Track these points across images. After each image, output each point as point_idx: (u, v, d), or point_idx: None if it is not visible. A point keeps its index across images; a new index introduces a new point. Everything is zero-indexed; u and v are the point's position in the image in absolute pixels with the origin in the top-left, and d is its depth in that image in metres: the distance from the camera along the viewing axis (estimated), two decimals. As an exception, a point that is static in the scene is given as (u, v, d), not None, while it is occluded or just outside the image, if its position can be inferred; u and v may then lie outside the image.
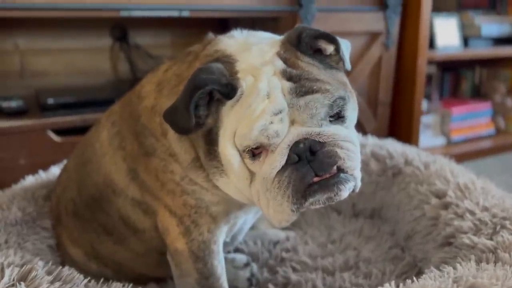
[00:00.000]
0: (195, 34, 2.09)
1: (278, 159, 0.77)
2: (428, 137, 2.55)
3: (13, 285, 0.79)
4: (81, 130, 1.22)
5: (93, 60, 2.09)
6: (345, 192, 0.79)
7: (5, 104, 1.62)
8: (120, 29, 2.09)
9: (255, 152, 0.79)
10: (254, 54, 0.84)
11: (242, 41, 0.89)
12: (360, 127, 2.10)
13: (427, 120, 2.55)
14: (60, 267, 0.90)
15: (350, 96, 0.84)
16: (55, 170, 1.37)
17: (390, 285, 0.81)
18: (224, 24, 2.10)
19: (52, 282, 0.83)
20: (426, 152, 1.41)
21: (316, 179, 0.77)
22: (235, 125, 0.79)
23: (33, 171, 1.37)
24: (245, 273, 1.15)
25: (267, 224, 1.37)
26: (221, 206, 0.93)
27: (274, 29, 0.94)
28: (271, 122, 0.76)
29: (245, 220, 1.07)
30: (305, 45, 0.84)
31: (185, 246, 0.93)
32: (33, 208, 1.14)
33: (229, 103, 0.81)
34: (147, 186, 0.96)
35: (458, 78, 2.95)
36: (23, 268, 0.82)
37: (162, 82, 0.95)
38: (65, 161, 1.19)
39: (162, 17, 1.77)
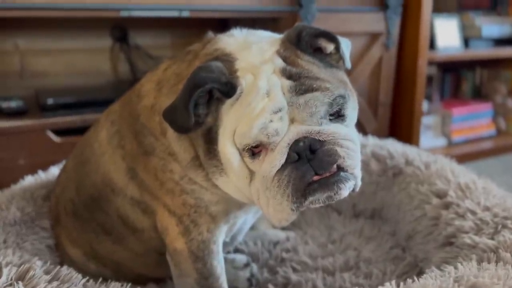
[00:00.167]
0: (195, 35, 2.09)
1: (277, 157, 0.77)
2: (429, 138, 2.55)
3: (11, 284, 0.78)
4: (81, 130, 1.21)
5: (93, 60, 2.08)
6: (345, 191, 0.78)
7: (5, 105, 1.61)
8: (120, 29, 2.09)
9: (255, 150, 0.79)
10: (254, 52, 0.84)
11: (241, 40, 0.88)
12: (361, 128, 2.09)
13: (427, 121, 2.54)
14: (58, 266, 0.89)
15: (350, 95, 0.84)
16: (54, 171, 1.36)
17: (390, 284, 0.80)
18: (224, 24, 2.09)
19: (50, 282, 0.82)
20: (426, 152, 1.41)
21: (316, 177, 0.76)
22: (235, 124, 0.79)
23: (33, 171, 1.36)
24: (245, 274, 1.14)
25: (267, 224, 1.36)
26: (221, 206, 0.93)
27: (274, 30, 0.94)
28: (271, 121, 0.76)
29: (244, 220, 1.07)
30: (305, 43, 0.83)
31: (184, 245, 0.93)
32: (32, 208, 1.14)
33: (229, 101, 0.80)
34: (146, 186, 0.95)
35: (458, 79, 2.94)
36: (21, 267, 0.82)
37: (162, 81, 0.94)
38: (64, 162, 1.19)
39: (162, 18, 1.77)
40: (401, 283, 0.82)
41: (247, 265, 1.16)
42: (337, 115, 0.81)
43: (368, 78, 2.12)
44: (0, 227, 1.03)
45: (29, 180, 1.31)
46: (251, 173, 0.82)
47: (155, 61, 2.06)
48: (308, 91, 0.77)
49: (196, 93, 0.78)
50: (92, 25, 2.01)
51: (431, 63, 2.46)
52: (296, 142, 0.76)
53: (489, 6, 2.84)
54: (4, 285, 0.78)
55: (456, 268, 0.84)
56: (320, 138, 0.77)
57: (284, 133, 0.77)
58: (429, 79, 2.67)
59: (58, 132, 1.59)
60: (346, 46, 0.88)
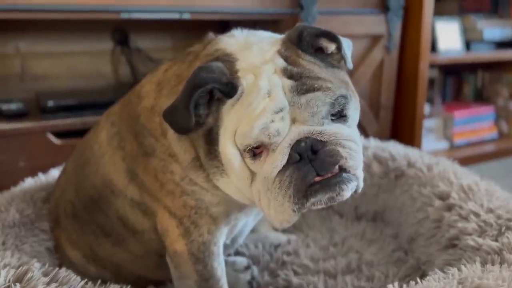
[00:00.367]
0: (196, 38, 2.08)
1: (279, 158, 0.76)
2: (431, 141, 2.54)
3: (8, 286, 0.77)
4: (81, 133, 1.21)
5: (94, 63, 2.08)
6: (347, 192, 0.77)
7: (5, 107, 1.61)
8: (121, 32, 2.09)
9: (256, 151, 0.78)
10: (255, 52, 0.83)
11: (242, 40, 0.88)
12: (362, 131, 2.09)
13: (429, 124, 2.54)
14: (57, 268, 0.88)
15: (352, 95, 0.83)
16: (54, 173, 1.36)
17: (393, 287, 0.79)
18: (225, 27, 2.08)
19: (48, 284, 0.81)
20: (428, 154, 1.40)
21: (317, 178, 0.76)
22: (236, 124, 0.78)
23: (33, 174, 1.36)
24: (245, 276, 1.13)
25: (268, 227, 1.35)
26: (222, 207, 0.92)
27: (275, 32, 0.93)
28: (272, 121, 0.75)
29: (245, 222, 1.06)
30: (306, 43, 0.83)
31: (184, 247, 0.92)
32: (32, 210, 1.13)
33: (230, 102, 0.80)
34: (146, 187, 0.95)
35: (460, 82, 2.94)
36: (19, 269, 0.81)
37: (162, 82, 0.94)
38: (65, 164, 1.18)
39: (163, 20, 1.77)
40: (404, 286, 0.81)
41: (247, 268, 1.16)
42: (339, 116, 0.80)
43: (370, 81, 2.12)
44: (-1, 229, 1.03)
45: (29, 183, 1.31)
46: (252, 174, 0.81)
47: (156, 64, 2.06)
48: (310, 91, 0.77)
49: (197, 93, 0.77)
50: (93, 28, 2.01)
51: (432, 66, 2.45)
52: (298, 142, 0.76)
53: (490, 9, 2.84)
54: (2, 286, 0.77)
55: (459, 270, 0.83)
56: (322, 139, 0.76)
57: (285, 134, 0.76)
58: (431, 82, 2.67)
59: (59, 134, 1.59)
60: (348, 46, 0.88)
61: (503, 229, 0.95)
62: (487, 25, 2.62)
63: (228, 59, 0.83)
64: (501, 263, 0.84)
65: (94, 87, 2.02)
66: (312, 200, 0.76)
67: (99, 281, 0.92)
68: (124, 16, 1.55)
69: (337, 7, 1.93)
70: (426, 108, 2.50)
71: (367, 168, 1.37)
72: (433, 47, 2.38)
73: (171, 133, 0.89)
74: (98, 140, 1.02)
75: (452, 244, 1.00)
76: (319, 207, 0.78)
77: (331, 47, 0.85)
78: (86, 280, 0.90)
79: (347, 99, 0.80)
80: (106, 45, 2.06)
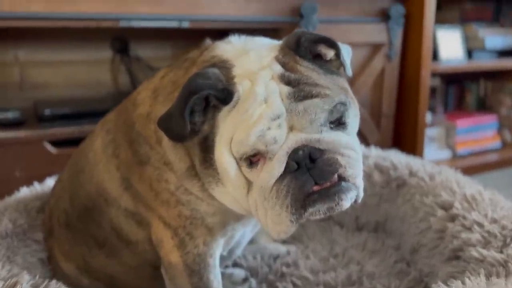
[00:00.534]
0: (195, 46, 2.08)
1: (276, 167, 0.74)
2: (433, 150, 2.52)
3: (-4, 299, 0.75)
4: (79, 141, 1.19)
5: (93, 72, 2.07)
6: (346, 202, 0.75)
7: (2, 115, 1.59)
8: (121, 41, 2.08)
9: (253, 159, 0.77)
10: (252, 59, 0.82)
11: (239, 47, 0.87)
12: (363, 140, 2.06)
13: (431, 133, 2.51)
14: (47, 280, 0.86)
15: (351, 102, 0.82)
16: (50, 182, 1.34)
17: (395, 300, 0.76)
18: (225, 35, 2.08)
19: (38, 297, 0.79)
20: (430, 163, 1.38)
21: (316, 188, 0.74)
22: (232, 131, 0.77)
23: (29, 183, 1.34)
24: (243, 289, 1.10)
25: (267, 238, 1.33)
26: (218, 217, 0.90)
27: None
28: (269, 128, 0.74)
29: (243, 233, 1.04)
30: (304, 49, 0.81)
31: (179, 259, 0.89)
32: (25, 220, 1.11)
33: (226, 108, 0.78)
34: (140, 196, 0.93)
35: (462, 91, 2.92)
36: (8, 281, 0.79)
37: (158, 89, 0.93)
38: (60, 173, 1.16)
39: (162, 29, 1.76)
40: (406, 299, 0.78)
41: (245, 280, 1.13)
42: (338, 123, 0.78)
43: (371, 89, 2.10)
44: (-10, 240, 1.00)
45: (24, 192, 1.29)
46: (249, 183, 0.79)
47: (155, 72, 2.04)
48: (308, 97, 0.75)
49: (192, 100, 0.76)
50: (93, 36, 2.01)
51: (434, 74, 2.44)
52: (295, 150, 0.74)
53: (491, 17, 2.83)
54: (-10, 299, 0.75)
55: (463, 283, 0.81)
56: (320, 147, 0.74)
57: (282, 141, 0.74)
58: (433, 91, 2.65)
59: (56, 143, 1.57)
60: (347, 52, 0.86)
61: (508, 240, 0.92)
62: (489, 33, 2.61)
63: (224, 66, 0.82)
64: (506, 276, 0.82)
65: (93, 96, 2.01)
66: (310, 210, 0.74)
67: (91, 294, 0.90)
68: (123, 24, 1.54)
69: (337, 15, 1.92)
70: (428, 117, 2.48)
71: (368, 177, 1.35)
72: (435, 56, 2.36)
73: (166, 141, 0.87)
74: (93, 148, 1.00)
75: (455, 255, 0.98)
76: (318, 217, 0.76)
77: (330, 53, 0.84)
78: (78, 292, 0.87)
79: (346, 106, 0.78)
80: (106, 54, 2.06)
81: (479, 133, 2.67)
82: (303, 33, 0.83)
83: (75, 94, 2.00)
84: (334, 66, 0.85)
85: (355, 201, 0.78)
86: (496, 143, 2.74)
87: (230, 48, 0.87)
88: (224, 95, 0.77)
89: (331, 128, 0.77)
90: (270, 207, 0.76)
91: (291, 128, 0.75)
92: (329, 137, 0.75)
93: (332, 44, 0.82)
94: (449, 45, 2.49)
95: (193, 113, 0.78)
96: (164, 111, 0.80)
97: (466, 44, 2.58)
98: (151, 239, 0.94)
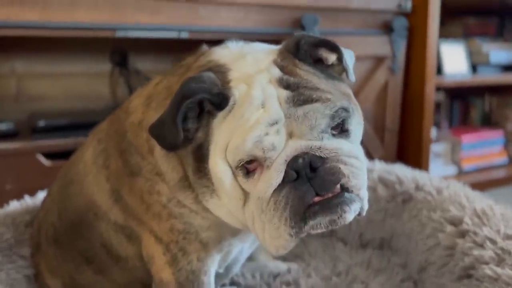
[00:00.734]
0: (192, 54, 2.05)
1: (274, 176, 0.69)
2: (438, 166, 2.46)
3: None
4: (73, 154, 1.16)
5: (92, 85, 2.04)
6: (350, 215, 0.70)
7: (-6, 127, 1.56)
8: (120, 54, 2.05)
9: (249, 168, 0.72)
10: (249, 62, 0.78)
11: (236, 51, 0.83)
12: (367, 154, 2.01)
13: (436, 148, 2.47)
14: (27, 298, 0.80)
15: (355, 109, 0.77)
16: (42, 196, 1.29)
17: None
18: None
19: (17, 316, 0.73)
20: (437, 177, 1.32)
21: (317, 199, 0.69)
22: (227, 138, 0.72)
23: (20, 197, 1.30)
24: (241, 309, 1.04)
25: (267, 255, 1.27)
26: (213, 232, 0.85)
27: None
28: (267, 134, 0.69)
29: (241, 249, 0.99)
30: (304, 52, 0.78)
31: (171, 276, 0.84)
32: (12, 235, 1.06)
33: (221, 114, 0.74)
34: (131, 209, 0.88)
35: (467, 106, 2.88)
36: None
37: (152, 96, 0.89)
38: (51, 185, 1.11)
39: (162, 41, 1.73)
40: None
41: (243, 299, 1.07)
42: (340, 130, 0.74)
43: (374, 103, 2.06)
44: (-27, 255, 0.95)
45: (14, 205, 1.24)
46: (245, 195, 0.75)
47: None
48: (307, 102, 0.70)
49: (185, 104, 0.72)
50: (92, 49, 1.99)
51: (438, 89, 2.40)
52: (295, 158, 0.69)
53: (495, 32, 2.81)
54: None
55: (477, 303, 0.75)
56: (322, 155, 0.69)
57: (281, 148, 0.70)
58: (437, 106, 2.61)
59: (50, 155, 1.53)
60: (350, 57, 0.82)
61: (523, 257, 0.86)
62: (493, 48, 2.58)
63: (220, 70, 0.78)
64: (524, 296, 0.76)
65: (91, 109, 1.97)
66: (311, 223, 0.69)
67: (76, 313, 0.84)
68: (120, 34, 1.51)
69: (339, 27, 1.89)
70: (433, 132, 2.44)
71: (372, 191, 1.31)
72: (439, 70, 2.33)
73: (158, 149, 0.82)
74: (83, 159, 0.96)
75: (467, 274, 0.92)
76: (319, 231, 0.70)
77: (332, 57, 0.80)
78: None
79: (349, 113, 0.74)
80: (105, 67, 2.03)
81: (485, 148, 2.62)
82: (303, 36, 0.79)
83: (72, 107, 1.96)
84: (336, 71, 0.81)
85: (359, 213, 0.73)
86: (502, 159, 2.69)
87: (227, 52, 0.83)
88: (219, 100, 0.73)
89: (333, 135, 0.73)
90: (268, 220, 0.71)
91: (290, 135, 0.71)
92: (331, 145, 0.70)
93: (333, 48, 0.78)
94: (453, 60, 2.46)
95: (186, 120, 0.74)
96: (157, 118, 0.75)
97: (471, 59, 2.55)
98: (142, 255, 0.89)
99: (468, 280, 0.90)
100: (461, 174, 2.52)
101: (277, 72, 0.74)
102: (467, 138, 2.55)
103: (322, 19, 1.84)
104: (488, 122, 2.90)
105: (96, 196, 0.91)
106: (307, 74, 0.75)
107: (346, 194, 0.69)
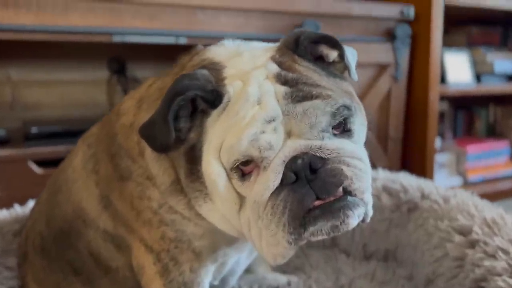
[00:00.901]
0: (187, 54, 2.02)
1: (271, 177, 0.64)
2: (443, 177, 2.41)
3: None
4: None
5: (89, 93, 2.00)
6: (353, 220, 0.65)
7: (-14, 134, 1.52)
8: (118, 61, 2.02)
9: (245, 170, 0.67)
10: (245, 59, 0.74)
11: (233, 49, 0.80)
12: (370, 164, 1.96)
13: (441, 158, 2.42)
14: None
15: (357, 108, 0.73)
16: (32, 204, 1.24)
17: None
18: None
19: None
20: (443, 187, 1.27)
21: (317, 202, 0.64)
22: (221, 138, 0.68)
23: (10, 205, 1.25)
24: (237, 324, 0.98)
25: (266, 267, 1.22)
26: (206, 240, 0.80)
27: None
28: (263, 132, 0.64)
29: (238, 260, 0.94)
30: (304, 48, 0.74)
31: (162, 288, 0.78)
32: (-3, 244, 1.01)
33: (215, 112, 0.70)
34: (120, 216, 0.83)
35: (471, 117, 2.84)
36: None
37: (144, 98, 0.85)
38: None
39: (160, 48, 1.70)
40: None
41: (240, 313, 1.01)
42: (342, 130, 0.69)
43: (377, 112, 2.02)
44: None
45: (3, 214, 1.21)
46: (241, 199, 0.70)
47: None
48: (307, 98, 0.66)
49: (176, 101, 0.67)
50: (89, 56, 1.95)
51: (442, 98, 2.36)
52: (294, 159, 0.64)
53: (499, 42, 2.78)
54: None
55: (492, 318, 0.69)
56: (322, 155, 0.65)
57: (278, 148, 0.65)
58: (441, 116, 2.57)
59: (42, 163, 1.48)
60: (351, 54, 0.78)
61: (539, 268, 0.81)
62: (498, 57, 2.54)
63: (215, 67, 0.74)
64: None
65: (87, 117, 1.93)
66: (311, 229, 0.64)
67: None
68: (116, 39, 1.47)
69: (340, 34, 1.85)
70: (437, 143, 2.39)
71: (376, 201, 1.26)
72: (442, 79, 2.30)
73: (149, 152, 0.78)
74: (73, 164, 0.92)
75: (478, 286, 0.87)
76: (320, 238, 0.65)
77: (333, 54, 0.76)
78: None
79: (351, 111, 0.69)
80: (102, 74, 1.99)
81: (491, 159, 2.57)
82: (303, 31, 0.75)
83: (69, 115, 1.92)
84: (337, 69, 0.77)
85: (363, 220, 0.68)
86: (509, 170, 2.63)
87: (223, 50, 0.80)
88: (213, 97, 0.69)
89: (335, 135, 0.68)
90: (265, 226, 0.66)
91: (288, 134, 0.66)
92: (333, 144, 0.66)
93: (334, 44, 0.74)
94: (457, 69, 2.42)
95: (178, 119, 0.70)
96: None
97: (475, 68, 2.51)
98: (132, 266, 0.83)
99: (479, 293, 0.85)
100: (466, 185, 2.46)
101: (274, 68, 0.70)
102: (472, 149, 2.50)
103: (323, 25, 1.81)
104: (493, 132, 2.85)
105: (85, 202, 0.86)
106: (306, 70, 0.71)
107: (349, 198, 0.64)
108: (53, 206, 0.93)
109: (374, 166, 1.96)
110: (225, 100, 0.68)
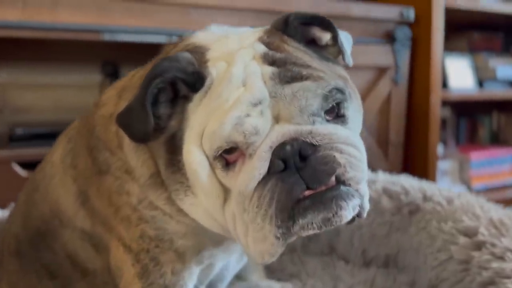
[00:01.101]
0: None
1: (257, 165, 0.59)
2: (446, 185, 2.35)
3: None
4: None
5: (82, 96, 1.96)
6: (347, 212, 0.59)
7: (-30, 136, 1.47)
8: (112, 65, 1.99)
9: (229, 159, 0.62)
10: (231, 41, 0.69)
11: (219, 34, 0.74)
12: (370, 170, 1.91)
13: (444, 165, 2.36)
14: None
15: (352, 94, 0.67)
16: (14, 207, 1.19)
17: None
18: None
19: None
20: (446, 188, 1.22)
21: (307, 192, 0.58)
22: (204, 123, 0.63)
23: (-8, 209, 1.19)
24: (226, 334, 0.92)
25: (260, 274, 1.15)
26: (190, 240, 0.74)
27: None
28: (248, 115, 0.59)
29: (227, 264, 0.88)
30: (294, 29, 0.69)
31: (141, 292, 0.72)
32: (-28, 248, 0.94)
33: (197, 97, 0.65)
34: (98, 213, 0.78)
35: (474, 124, 2.79)
36: None
37: (126, 87, 0.80)
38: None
39: (153, 50, 1.65)
40: None
41: (230, 322, 0.94)
42: (336, 116, 0.64)
43: (377, 116, 1.97)
44: None
45: (-18, 218, 1.14)
46: (225, 192, 0.64)
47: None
48: (296, 79, 0.61)
49: (154, 84, 0.62)
50: (82, 60, 1.92)
51: (444, 103, 2.31)
52: (282, 145, 0.59)
53: (501, 48, 2.75)
54: None
55: (502, 323, 0.63)
56: (313, 141, 0.59)
57: (265, 133, 0.60)
58: (443, 122, 2.52)
59: (28, 165, 1.43)
60: (346, 38, 0.74)
61: (552, 270, 0.74)
62: (500, 63, 2.51)
63: (198, 50, 0.70)
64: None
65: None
66: (301, 222, 0.58)
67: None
68: (107, 37, 1.43)
69: (339, 35, 1.81)
70: (440, 149, 2.33)
71: (375, 204, 1.20)
72: (444, 84, 2.26)
73: (127, 142, 0.73)
74: (52, 159, 0.87)
75: (486, 290, 0.80)
76: (311, 232, 0.59)
77: (325, 37, 0.71)
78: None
79: (345, 95, 0.64)
80: (95, 78, 1.95)
81: (495, 167, 2.51)
82: (293, 12, 0.70)
83: (60, 119, 1.88)
84: (330, 53, 0.72)
85: (359, 214, 0.62)
86: (514, 178, 2.57)
87: (209, 35, 0.76)
88: (194, 80, 0.64)
89: (327, 121, 0.62)
90: (251, 220, 0.60)
91: (276, 119, 0.61)
92: (325, 129, 0.60)
93: (327, 26, 0.70)
94: (459, 74, 2.38)
95: (157, 104, 0.66)
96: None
97: (477, 74, 2.48)
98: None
99: (488, 298, 0.79)
100: (470, 193, 2.39)
101: (262, 48, 0.65)
102: (476, 156, 2.45)
103: (321, 26, 1.77)
104: (497, 140, 2.80)
105: (62, 199, 0.81)
106: (296, 51, 0.66)
107: (343, 187, 0.59)
108: (30, 206, 0.87)
109: (374, 171, 1.89)
110: (207, 82, 0.63)
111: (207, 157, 0.62)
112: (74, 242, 0.80)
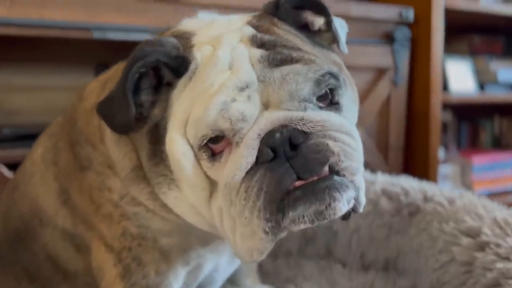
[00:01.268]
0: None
1: (244, 154, 0.55)
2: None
3: None
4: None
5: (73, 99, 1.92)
6: (341, 204, 0.54)
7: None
8: (105, 67, 1.94)
9: (215, 149, 0.58)
10: (218, 25, 0.65)
11: (207, 20, 0.71)
12: (370, 171, 1.86)
13: (445, 170, 2.32)
14: None
15: (347, 81, 0.64)
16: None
17: None
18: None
19: None
20: (448, 189, 1.18)
21: (298, 183, 0.54)
22: (187, 110, 0.59)
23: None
24: None
25: (254, 278, 1.11)
26: (175, 238, 0.70)
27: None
28: (234, 100, 0.55)
29: (216, 266, 0.83)
30: (285, 11, 0.65)
31: (123, 293, 0.68)
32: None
33: (181, 82, 0.61)
34: (80, 211, 0.74)
35: (476, 128, 2.75)
36: None
37: (110, 78, 0.76)
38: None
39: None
40: None
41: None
42: (330, 103, 0.59)
43: (376, 118, 1.93)
44: None
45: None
46: (211, 184, 0.60)
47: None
48: (286, 62, 0.57)
49: (135, 68, 0.58)
50: (74, 62, 1.88)
51: (445, 107, 2.27)
52: (271, 133, 0.55)
53: (502, 51, 2.72)
54: None
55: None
56: (304, 128, 0.55)
57: (253, 120, 0.56)
58: (444, 126, 2.48)
59: (15, 167, 1.38)
60: (340, 25, 0.70)
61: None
62: (501, 66, 2.48)
63: (184, 36, 0.66)
64: None
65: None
66: (291, 214, 0.54)
67: None
68: (97, 35, 1.39)
69: (337, 36, 1.78)
70: (441, 153, 2.29)
71: (374, 205, 1.16)
72: (445, 87, 2.22)
73: (109, 135, 0.69)
74: (33, 157, 0.84)
75: (491, 292, 0.75)
76: (303, 226, 0.55)
77: (318, 21, 0.68)
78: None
79: (339, 82, 0.60)
80: (88, 80, 1.90)
81: (498, 171, 2.47)
82: None
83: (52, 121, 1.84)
84: (324, 39, 0.69)
85: (354, 208, 0.58)
86: (517, 183, 2.52)
87: (196, 21, 0.72)
88: (178, 64, 0.60)
89: (320, 108, 0.58)
90: (238, 214, 0.56)
91: (265, 105, 0.57)
92: (317, 115, 0.56)
93: (320, 9, 0.66)
94: (460, 77, 2.35)
95: (139, 91, 0.62)
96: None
97: (478, 77, 2.45)
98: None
99: (493, 300, 0.74)
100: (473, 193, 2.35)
101: (250, 31, 0.61)
102: (478, 160, 2.40)
103: (318, 26, 1.74)
104: (499, 144, 2.76)
105: (42, 198, 0.77)
106: (287, 34, 0.62)
107: (336, 178, 0.54)
108: (10, 205, 0.84)
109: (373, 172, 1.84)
110: (192, 67, 0.60)
111: (192, 146, 0.58)
112: (55, 243, 0.76)
